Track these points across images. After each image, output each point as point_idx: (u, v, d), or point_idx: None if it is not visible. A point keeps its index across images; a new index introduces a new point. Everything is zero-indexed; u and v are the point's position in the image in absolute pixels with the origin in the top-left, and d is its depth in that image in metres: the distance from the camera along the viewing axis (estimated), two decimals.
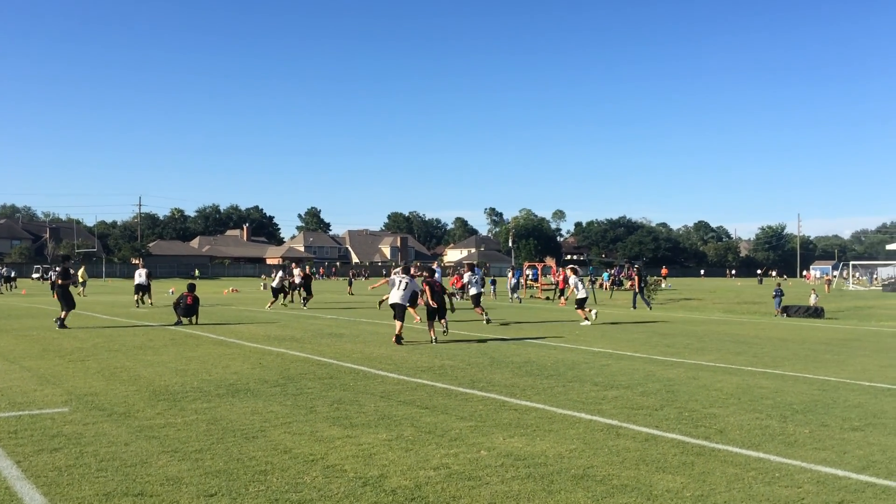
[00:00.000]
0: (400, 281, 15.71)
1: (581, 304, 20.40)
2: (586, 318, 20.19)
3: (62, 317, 17.80)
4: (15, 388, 9.19)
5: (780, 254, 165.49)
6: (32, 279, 77.30)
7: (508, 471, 5.71)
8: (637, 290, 29.36)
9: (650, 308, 28.75)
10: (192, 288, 19.80)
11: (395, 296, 15.44)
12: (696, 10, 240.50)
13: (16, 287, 51.33)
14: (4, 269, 53.30)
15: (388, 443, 6.53)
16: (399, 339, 14.54)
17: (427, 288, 15.65)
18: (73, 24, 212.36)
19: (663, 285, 48.78)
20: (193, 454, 6.08)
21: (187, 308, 19.07)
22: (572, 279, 21.07)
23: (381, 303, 24.05)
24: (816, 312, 25.30)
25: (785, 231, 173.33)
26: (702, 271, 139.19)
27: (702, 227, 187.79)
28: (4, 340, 14.81)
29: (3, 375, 10.19)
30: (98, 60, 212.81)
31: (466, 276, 22.83)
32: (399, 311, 15.22)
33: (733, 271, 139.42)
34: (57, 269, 17.85)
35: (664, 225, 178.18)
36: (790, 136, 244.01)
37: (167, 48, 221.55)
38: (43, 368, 10.89)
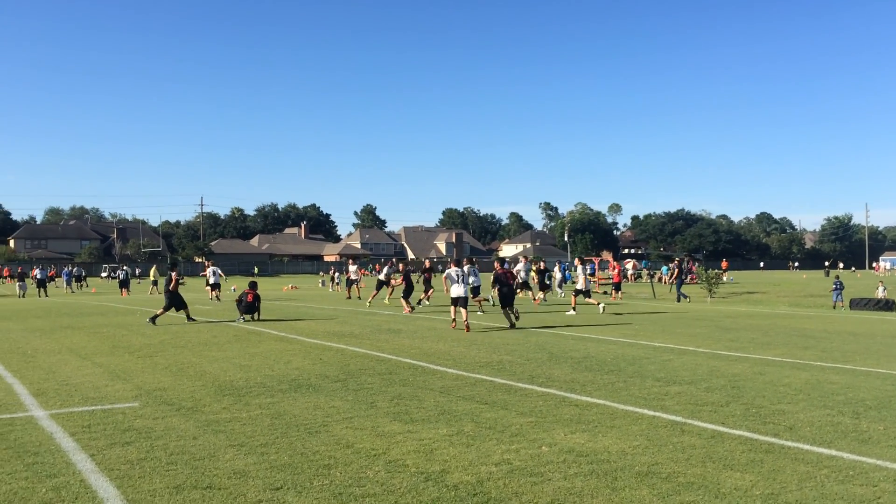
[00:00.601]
0: (457, 275, 16.69)
1: (578, 293, 22.18)
2: (573, 309, 21.72)
3: (159, 313, 18.78)
4: (87, 383, 9.50)
5: (848, 245, 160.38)
6: (101, 278, 79.95)
7: (571, 467, 5.65)
8: (675, 281, 30.45)
9: (679, 300, 29.03)
10: (253, 286, 20.18)
11: (458, 289, 16.57)
12: None
13: (86, 286, 53.13)
14: (75, 269, 55.25)
15: (449, 438, 6.53)
16: (467, 326, 16.11)
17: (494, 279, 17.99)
18: (132, 31, 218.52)
19: (725, 279, 47.76)
20: (259, 448, 6.19)
21: (248, 305, 19.45)
22: (579, 268, 22.88)
23: (420, 301, 24.44)
24: (887, 305, 24.43)
25: (852, 221, 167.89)
26: (761, 264, 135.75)
27: (764, 218, 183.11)
28: (77, 337, 15.34)
29: (76, 371, 10.56)
30: (163, 66, 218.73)
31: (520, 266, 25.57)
32: (462, 302, 16.46)
33: (796, 263, 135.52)
34: (172, 273, 19.67)
35: (724, 217, 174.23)
36: (857, 124, 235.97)
37: (225, 50, 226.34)
38: (114, 364, 11.24)
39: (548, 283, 30.24)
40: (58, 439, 6.51)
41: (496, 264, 19.06)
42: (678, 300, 29.16)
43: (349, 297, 30.74)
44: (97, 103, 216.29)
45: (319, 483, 5.27)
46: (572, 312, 21.30)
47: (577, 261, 23.81)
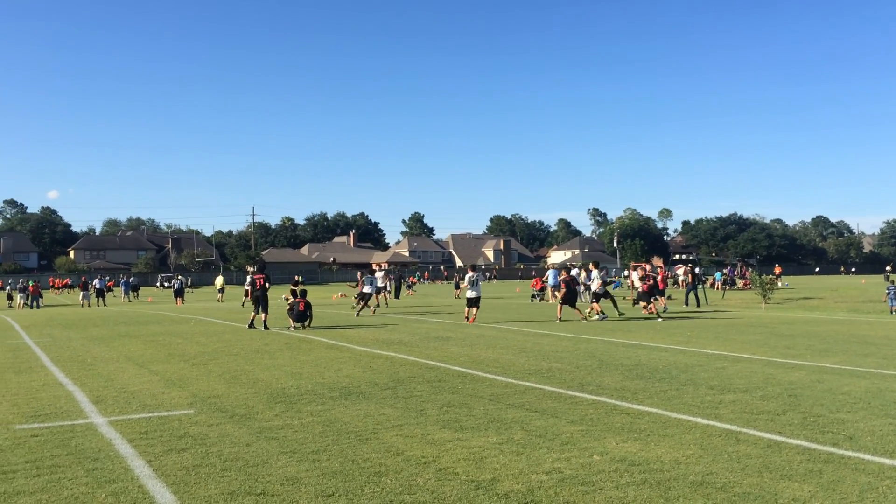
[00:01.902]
0: (470, 280, 21.23)
1: (596, 298, 22.72)
2: (597, 314, 21.88)
3: (264, 318, 19.83)
4: (144, 390, 9.74)
5: None
6: (157, 287, 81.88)
7: (623, 476, 5.59)
8: (691, 286, 30.46)
9: (686, 305, 29.22)
10: (303, 294, 20.47)
11: (472, 292, 21.00)
12: None
13: (136, 297, 54.38)
14: (133, 279, 56.71)
15: (499, 446, 6.52)
16: (473, 319, 20.70)
17: (563, 286, 22.02)
18: (185, 42, 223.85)
19: (780, 284, 46.66)
20: (311, 455, 6.26)
21: (299, 314, 19.72)
22: (594, 273, 23.47)
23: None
24: None
25: None
26: (816, 269, 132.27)
27: (820, 222, 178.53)
28: (134, 346, 15.73)
29: (134, 379, 10.83)
30: (216, 79, 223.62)
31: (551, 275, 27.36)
32: (476, 302, 21.05)
33: (853, 269, 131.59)
34: (255, 275, 20.84)
35: (779, 221, 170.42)
36: None
37: (274, 62, 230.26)
38: (169, 372, 11.50)
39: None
40: (116, 445, 6.69)
41: (563, 272, 23.16)
42: (685, 304, 29.43)
43: (378, 305, 30.46)
44: (150, 115, 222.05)
45: (371, 490, 5.31)
46: (596, 318, 21.66)
47: (591, 265, 24.69)
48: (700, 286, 33.41)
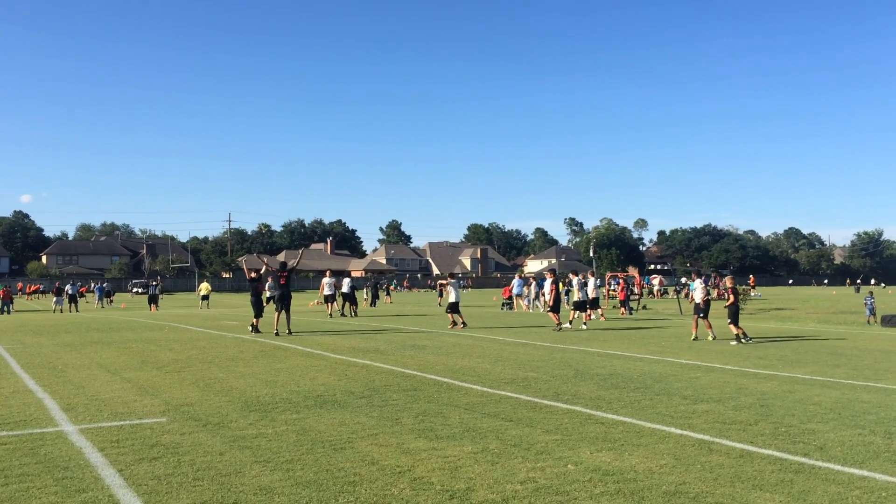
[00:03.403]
0: (453, 286, 22.57)
1: (577, 307, 23.15)
2: (584, 323, 22.48)
3: (287, 320, 19.90)
4: (116, 398, 9.61)
5: (879, 261, 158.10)
6: (132, 294, 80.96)
7: (597, 486, 5.61)
8: (624, 297, 32.88)
9: (629, 313, 31.48)
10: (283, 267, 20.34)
11: (457, 296, 22.22)
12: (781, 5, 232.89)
13: (111, 302, 53.81)
14: (107, 284, 56.03)
15: (474, 455, 6.52)
16: (454, 324, 21.84)
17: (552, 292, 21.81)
18: (160, 45, 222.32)
19: (752, 294, 47.19)
20: (284, 464, 6.22)
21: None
22: (575, 280, 23.73)
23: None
24: None
25: (883, 237, 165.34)
26: (790, 280, 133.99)
27: (792, 233, 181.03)
28: (106, 353, 15.54)
29: (106, 386, 10.69)
30: (191, 82, 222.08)
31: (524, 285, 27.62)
32: (457, 308, 22.14)
33: (825, 280, 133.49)
34: (279, 273, 20.43)
35: (752, 232, 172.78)
36: (888, 137, 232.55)
37: (251, 66, 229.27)
38: (142, 380, 11.37)
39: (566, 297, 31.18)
40: (87, 454, 6.59)
41: (548, 274, 22.78)
42: (630, 313, 31.51)
43: (342, 314, 30.32)
44: (126, 120, 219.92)
45: (345, 500, 5.28)
46: (583, 327, 21.98)
47: (570, 275, 25.62)
48: (633, 296, 36.13)
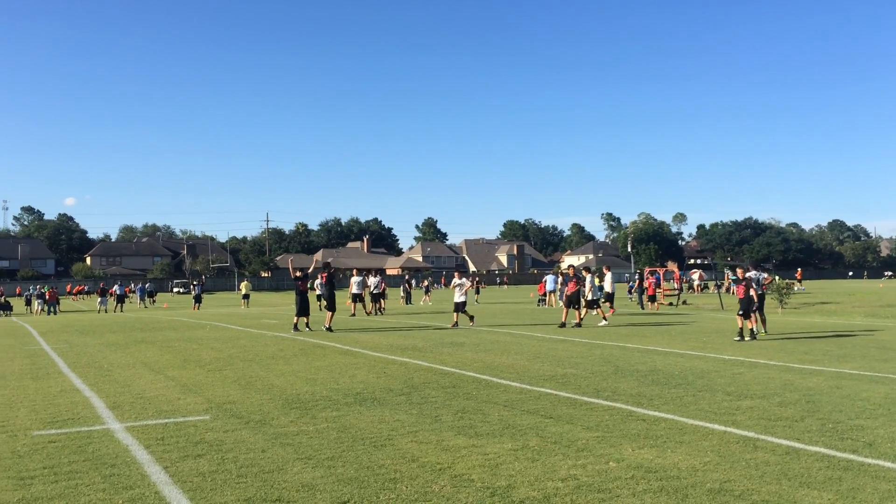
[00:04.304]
0: (455, 285, 22.13)
1: (589, 304, 22.45)
2: (604, 318, 22.01)
3: (330, 316, 20.59)
4: (161, 396, 9.78)
5: None
6: (173, 293, 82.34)
7: (639, 483, 5.55)
8: (637, 290, 33.07)
9: (642, 308, 31.57)
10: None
11: (458, 297, 21.59)
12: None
13: (154, 302, 54.80)
14: (149, 284, 57.09)
15: (514, 452, 6.49)
16: (456, 325, 21.25)
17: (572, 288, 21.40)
18: (200, 47, 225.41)
19: (796, 288, 46.31)
20: (326, 461, 6.26)
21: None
22: (588, 279, 23.09)
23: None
24: None
25: None
26: (850, 273, 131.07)
27: (837, 226, 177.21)
28: (150, 352, 15.82)
29: (150, 385, 10.88)
30: (230, 85, 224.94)
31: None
32: (461, 307, 21.56)
33: (889, 273, 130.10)
34: (321, 273, 21.46)
35: (795, 225, 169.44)
36: None
37: (288, 68, 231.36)
38: (185, 378, 11.55)
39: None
40: (133, 451, 6.72)
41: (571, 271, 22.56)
42: (642, 307, 31.49)
43: (370, 313, 29.70)
44: (166, 122, 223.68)
45: (386, 497, 5.30)
46: (604, 322, 21.71)
47: (584, 271, 24.55)
48: (719, 292, 34.59)
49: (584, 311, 22.22)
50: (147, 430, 7.62)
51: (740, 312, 16.52)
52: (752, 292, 16.52)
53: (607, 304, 25.40)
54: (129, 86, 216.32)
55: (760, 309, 17.42)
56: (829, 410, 8.21)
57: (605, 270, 27.65)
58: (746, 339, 16.05)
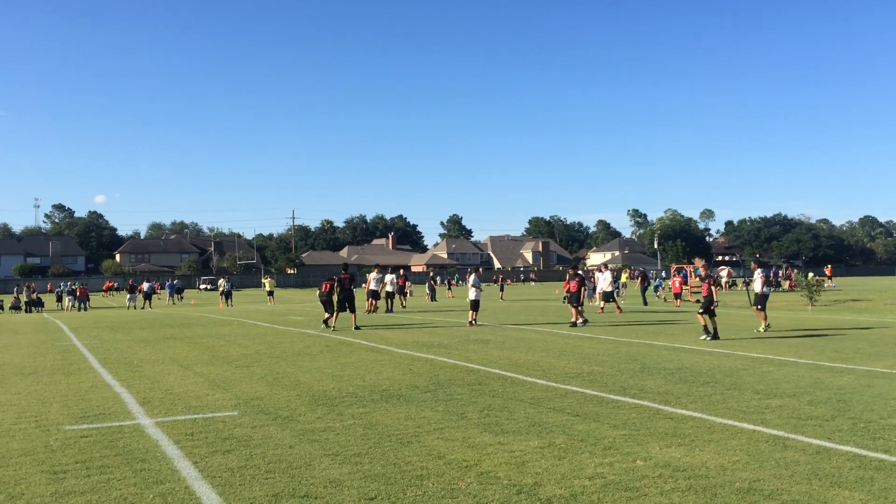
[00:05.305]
0: (473, 283, 21.79)
1: (606, 297, 23.85)
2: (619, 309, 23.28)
3: (353, 318, 20.35)
4: (189, 392, 9.90)
5: None
6: (199, 290, 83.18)
7: (667, 482, 5.51)
8: (641, 287, 33.81)
9: (645, 304, 31.76)
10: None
11: (473, 294, 21.47)
12: None
13: (182, 298, 55.44)
14: (177, 281, 57.75)
15: (541, 450, 6.48)
16: (471, 323, 20.93)
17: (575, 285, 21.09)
18: (225, 45, 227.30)
19: (826, 285, 45.64)
20: (353, 458, 6.30)
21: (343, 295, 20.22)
22: (599, 274, 24.39)
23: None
24: None
25: None
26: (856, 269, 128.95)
27: (868, 222, 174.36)
28: (178, 348, 16.00)
29: (179, 381, 11.01)
30: (252, 84, 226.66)
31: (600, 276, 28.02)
32: (477, 305, 21.45)
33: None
34: (342, 274, 20.90)
35: (825, 221, 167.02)
36: None
37: (314, 65, 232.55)
38: (213, 374, 11.67)
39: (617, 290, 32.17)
40: (163, 446, 6.81)
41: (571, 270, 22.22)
42: (644, 304, 31.70)
43: (389, 310, 29.30)
44: (193, 121, 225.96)
45: (413, 494, 5.32)
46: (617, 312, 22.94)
47: (602, 267, 25.49)
48: (746, 288, 34.40)
49: (601, 303, 22.72)
50: (177, 426, 7.71)
51: (700, 311, 16.56)
52: (713, 290, 16.54)
53: (604, 302, 26.46)
54: (158, 84, 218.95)
55: (762, 306, 17.88)
56: (861, 409, 8.10)
57: (602, 269, 28.36)
58: (707, 338, 15.96)
